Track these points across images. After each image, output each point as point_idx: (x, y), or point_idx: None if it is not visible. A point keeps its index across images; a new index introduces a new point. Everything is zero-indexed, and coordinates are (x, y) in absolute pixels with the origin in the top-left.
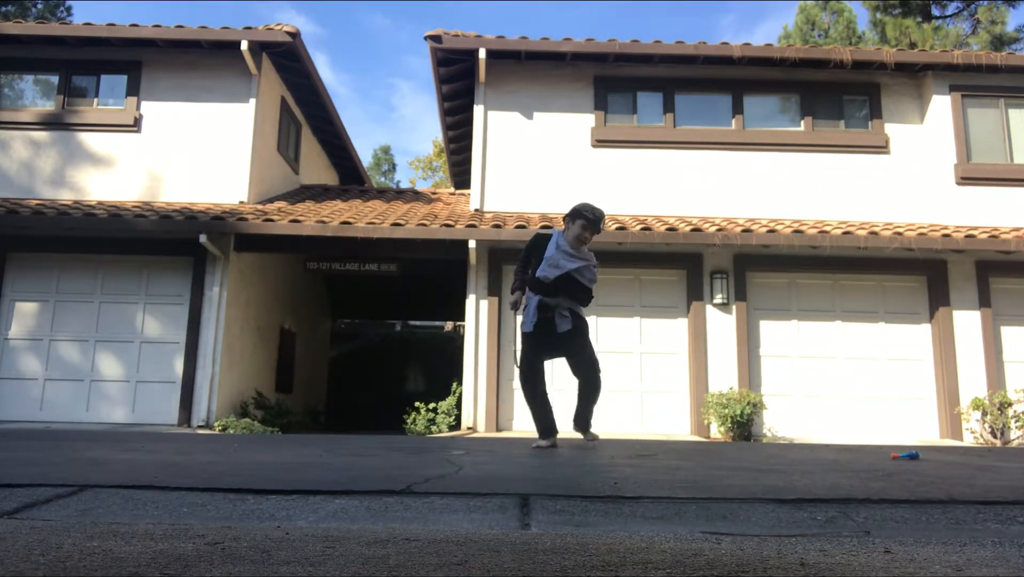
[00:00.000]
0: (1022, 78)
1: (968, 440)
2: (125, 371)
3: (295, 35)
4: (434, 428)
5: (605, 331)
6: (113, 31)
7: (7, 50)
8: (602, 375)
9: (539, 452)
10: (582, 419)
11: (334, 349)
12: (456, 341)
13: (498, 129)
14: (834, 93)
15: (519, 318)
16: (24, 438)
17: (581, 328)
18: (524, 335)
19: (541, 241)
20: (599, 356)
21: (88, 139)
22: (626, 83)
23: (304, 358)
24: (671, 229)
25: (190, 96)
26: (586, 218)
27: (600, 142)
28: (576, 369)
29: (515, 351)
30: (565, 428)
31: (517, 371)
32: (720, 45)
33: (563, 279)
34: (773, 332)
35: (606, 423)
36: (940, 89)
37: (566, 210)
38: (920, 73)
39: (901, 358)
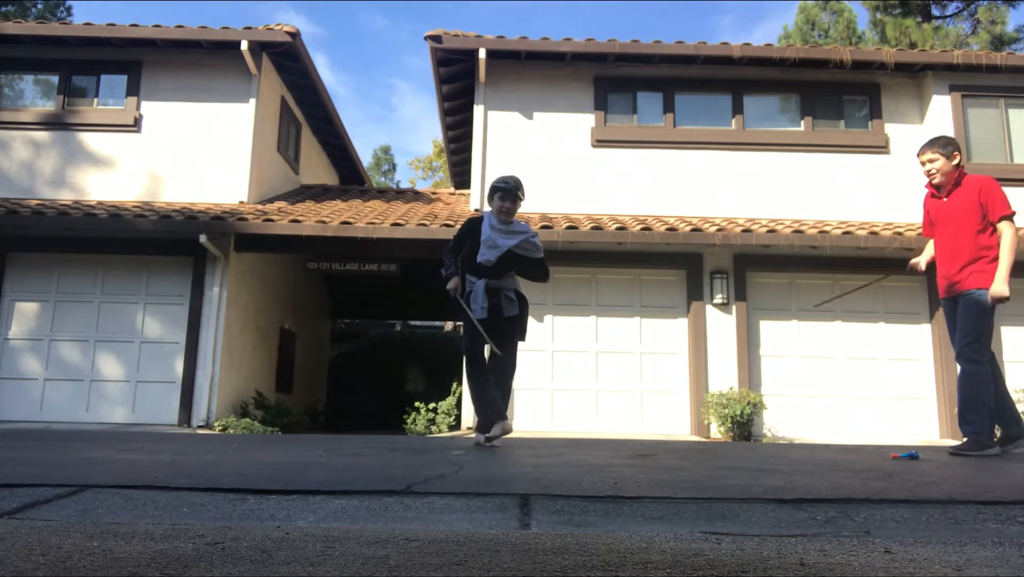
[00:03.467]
0: (1022, 78)
1: None
2: (125, 371)
3: (295, 35)
4: (434, 428)
5: (605, 331)
6: (113, 31)
7: (7, 50)
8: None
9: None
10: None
11: (334, 349)
12: (456, 341)
13: (498, 129)
14: (834, 93)
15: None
16: (24, 438)
17: (523, 316)
18: (472, 320)
19: (474, 225)
20: (599, 356)
21: (88, 139)
22: (626, 83)
23: (304, 358)
24: (671, 229)
25: (190, 96)
26: (500, 189)
27: (600, 142)
28: (497, 359)
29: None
30: (564, 427)
31: (466, 357)
32: (720, 45)
33: (506, 259)
34: (773, 332)
35: (606, 423)
36: (940, 89)
37: (566, 210)
38: (920, 73)
39: (901, 358)
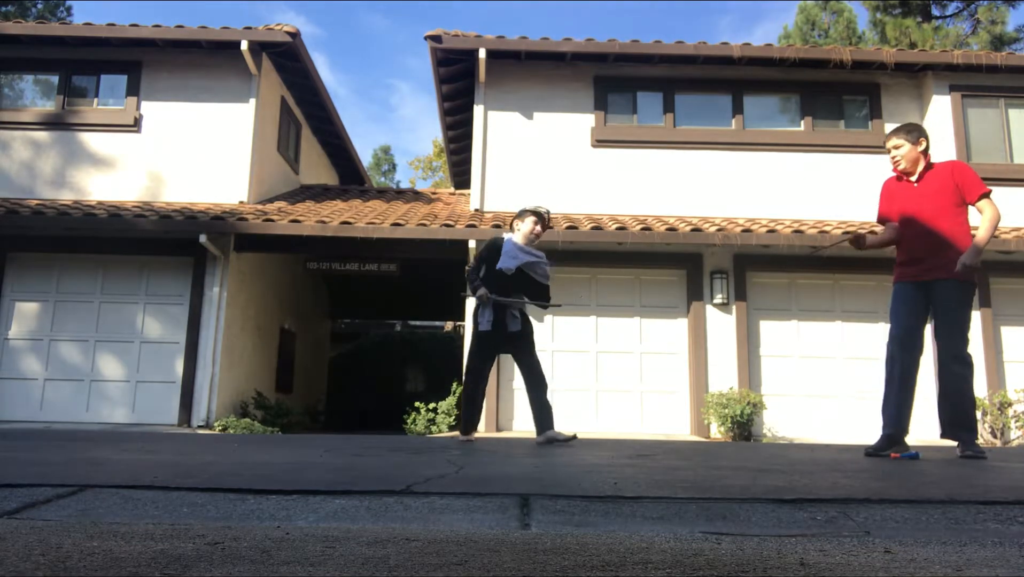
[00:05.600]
0: (1022, 78)
1: None
2: (125, 371)
3: (295, 35)
4: (434, 428)
5: (605, 331)
6: (113, 31)
7: (7, 50)
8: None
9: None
10: (545, 423)
11: (334, 349)
12: (456, 341)
13: (498, 129)
14: (834, 93)
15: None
16: (24, 438)
17: (529, 330)
18: (479, 334)
19: (497, 245)
20: (600, 355)
21: (88, 139)
22: (626, 83)
23: (304, 358)
24: (671, 229)
25: (190, 96)
26: (536, 214)
27: (600, 142)
28: (526, 370)
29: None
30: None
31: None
32: (720, 45)
33: (519, 276)
34: (773, 332)
35: (606, 423)
36: (940, 89)
37: (566, 210)
38: (920, 73)
39: None
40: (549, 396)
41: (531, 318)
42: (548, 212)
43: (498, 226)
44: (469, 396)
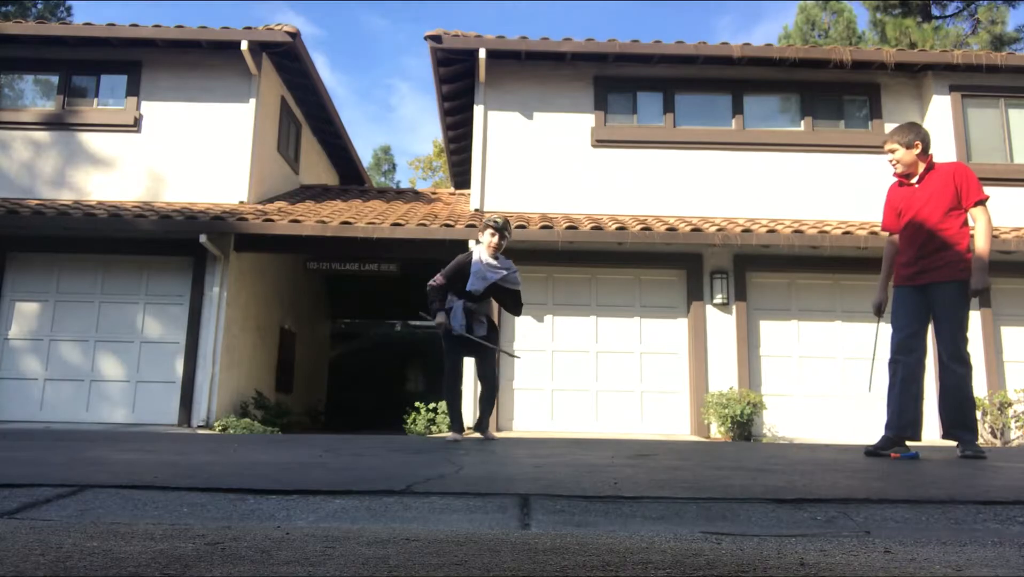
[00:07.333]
0: (1022, 78)
1: None
2: (125, 371)
3: (295, 35)
4: (434, 428)
5: (605, 331)
6: (113, 31)
7: (7, 50)
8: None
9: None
10: (483, 423)
11: (334, 349)
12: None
13: (498, 129)
14: (834, 93)
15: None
16: (24, 438)
17: (493, 336)
18: (453, 337)
19: (464, 265)
20: (600, 355)
21: (88, 139)
22: (626, 83)
23: (304, 358)
24: (671, 229)
25: (190, 96)
26: (491, 227)
27: (600, 142)
28: (482, 373)
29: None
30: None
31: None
32: (720, 45)
33: (491, 288)
34: (773, 332)
35: (606, 423)
36: (940, 89)
37: (566, 210)
38: (920, 73)
39: None
40: (550, 396)
41: (531, 318)
42: (507, 221)
43: None
44: (452, 394)
